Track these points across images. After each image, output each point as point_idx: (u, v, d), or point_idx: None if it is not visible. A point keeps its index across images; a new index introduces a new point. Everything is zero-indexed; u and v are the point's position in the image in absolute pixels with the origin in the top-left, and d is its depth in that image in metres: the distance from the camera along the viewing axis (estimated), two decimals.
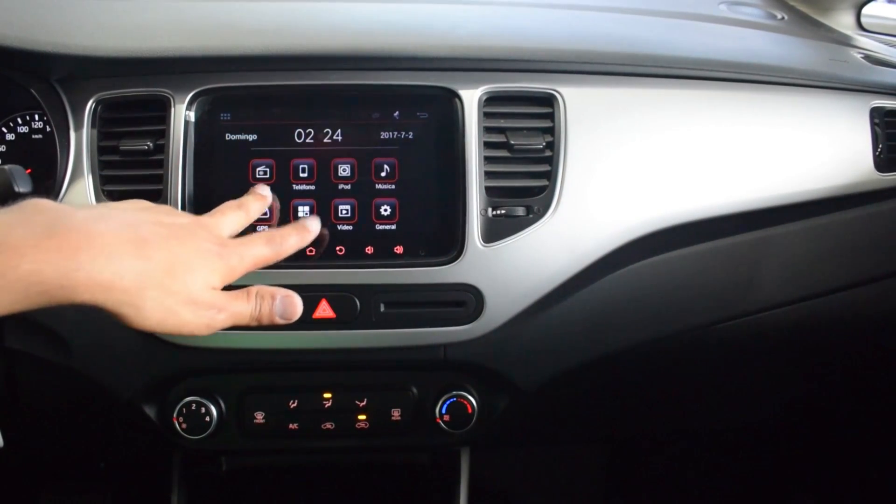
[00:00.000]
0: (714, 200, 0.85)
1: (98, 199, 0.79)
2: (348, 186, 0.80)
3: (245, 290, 0.63)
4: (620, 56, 0.86)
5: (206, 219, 0.65)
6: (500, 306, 0.80)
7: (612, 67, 0.85)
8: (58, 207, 0.54)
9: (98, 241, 0.52)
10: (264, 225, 0.78)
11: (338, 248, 0.79)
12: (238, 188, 0.79)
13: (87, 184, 0.79)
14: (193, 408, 0.85)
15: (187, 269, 0.57)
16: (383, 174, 0.80)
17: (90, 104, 0.80)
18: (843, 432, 1.29)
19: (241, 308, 0.62)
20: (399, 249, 0.80)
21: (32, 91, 0.80)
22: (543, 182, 0.81)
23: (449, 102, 0.81)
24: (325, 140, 0.80)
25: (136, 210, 0.62)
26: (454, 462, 0.97)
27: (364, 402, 0.87)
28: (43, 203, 0.54)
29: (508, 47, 0.84)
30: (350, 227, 0.79)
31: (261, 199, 0.73)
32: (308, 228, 0.70)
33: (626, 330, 0.88)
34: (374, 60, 0.81)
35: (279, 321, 0.64)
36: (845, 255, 0.93)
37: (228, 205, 0.69)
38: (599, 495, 1.41)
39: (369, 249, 0.79)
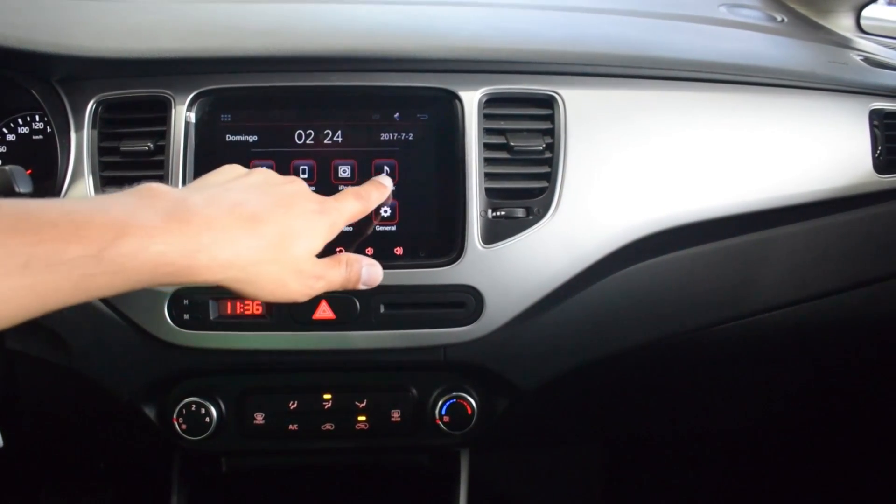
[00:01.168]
0: (713, 202, 0.85)
1: None
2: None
3: (336, 257, 0.67)
4: (620, 58, 0.86)
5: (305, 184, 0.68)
6: (500, 307, 0.80)
7: (612, 69, 0.85)
8: (172, 191, 0.56)
9: (216, 224, 0.55)
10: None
11: (337, 249, 0.79)
12: None
13: (87, 184, 0.79)
14: (193, 408, 0.85)
15: (294, 237, 0.60)
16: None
17: (91, 105, 0.80)
18: (843, 433, 1.29)
19: (336, 275, 0.66)
20: (399, 251, 0.80)
21: (33, 92, 0.80)
22: (543, 183, 0.81)
23: (449, 104, 0.81)
24: (326, 141, 0.81)
25: (240, 183, 0.63)
26: (454, 463, 0.97)
27: (364, 403, 0.87)
28: (157, 187, 0.56)
29: (508, 49, 0.84)
30: (350, 229, 0.79)
31: (381, 188, 0.74)
32: (385, 185, 0.75)
33: (625, 331, 0.88)
34: (375, 62, 0.82)
35: (362, 287, 0.69)
36: (845, 257, 0.93)
37: (349, 191, 0.70)
38: (598, 496, 1.41)
39: (369, 251, 0.80)
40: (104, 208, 0.51)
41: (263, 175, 0.66)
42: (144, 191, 0.55)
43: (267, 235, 0.58)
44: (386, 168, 0.80)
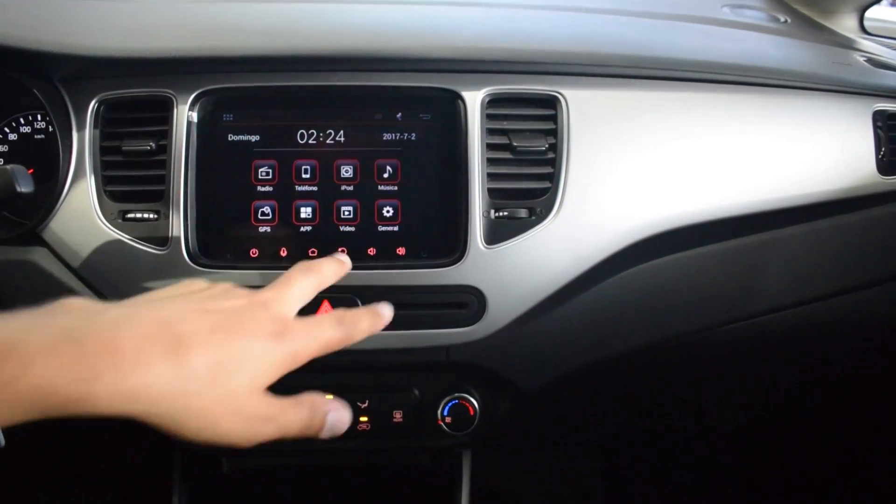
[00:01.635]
0: (716, 203, 0.84)
1: (100, 200, 0.79)
2: (350, 188, 0.80)
3: (298, 399, 0.56)
4: (623, 58, 0.85)
5: (267, 294, 0.57)
6: (503, 308, 0.80)
7: (615, 70, 0.84)
8: (87, 307, 0.50)
9: (122, 346, 0.47)
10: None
11: (340, 250, 0.79)
12: (241, 189, 0.79)
13: (89, 184, 0.79)
14: None
15: (233, 370, 0.50)
16: (386, 175, 0.80)
17: (93, 104, 0.80)
18: (844, 434, 1.28)
19: (292, 419, 0.55)
20: (401, 251, 0.80)
21: (35, 91, 0.80)
22: (546, 184, 0.81)
23: (452, 104, 0.80)
24: (328, 141, 0.80)
25: (180, 299, 0.55)
26: (456, 464, 0.97)
27: (366, 404, 0.87)
28: (73, 303, 0.50)
29: (511, 49, 0.84)
30: (352, 229, 0.79)
31: (339, 264, 0.66)
32: (381, 315, 0.64)
33: (628, 333, 0.88)
34: (377, 61, 0.81)
35: (325, 436, 0.57)
36: (848, 258, 0.93)
37: (297, 269, 0.61)
38: (600, 497, 1.41)
39: (371, 251, 0.79)
40: None
41: (221, 290, 0.57)
42: (58, 305, 0.49)
43: (192, 363, 0.48)
44: (389, 168, 0.80)
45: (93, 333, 0.47)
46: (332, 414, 0.57)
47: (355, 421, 0.87)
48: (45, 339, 0.45)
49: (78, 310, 0.49)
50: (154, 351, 0.48)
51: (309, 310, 0.76)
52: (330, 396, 0.59)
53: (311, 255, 0.79)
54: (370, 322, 0.62)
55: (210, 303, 0.54)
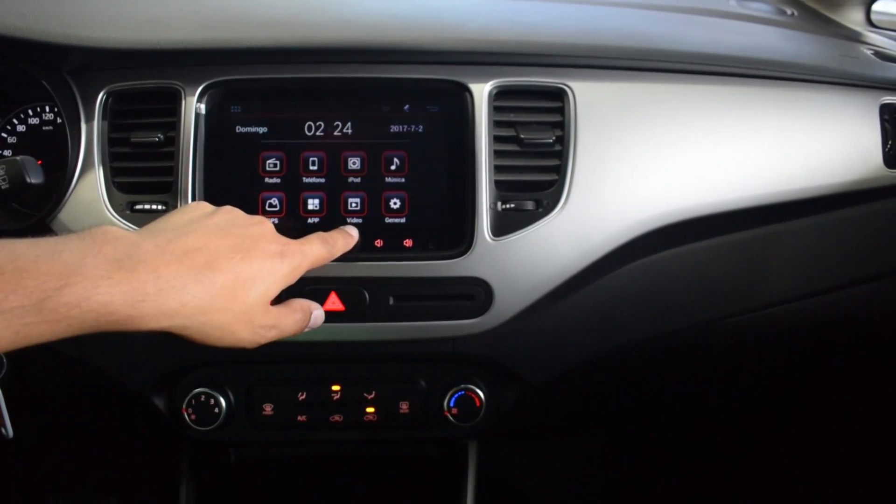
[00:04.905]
0: (722, 196, 0.84)
1: (109, 191, 0.79)
2: (358, 180, 0.80)
3: (291, 305, 0.67)
4: (631, 51, 0.86)
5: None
6: (509, 300, 0.80)
7: (622, 62, 0.85)
8: (126, 237, 0.56)
9: (164, 272, 0.55)
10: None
11: None
12: (248, 180, 0.80)
13: (97, 175, 0.79)
14: (202, 399, 0.85)
15: (249, 284, 0.59)
16: (393, 167, 0.80)
17: (101, 96, 0.80)
18: (850, 428, 1.28)
19: (290, 324, 0.66)
20: (408, 243, 0.80)
21: (44, 83, 0.80)
22: (553, 176, 0.81)
23: (459, 96, 0.81)
24: (335, 133, 0.81)
25: (200, 225, 0.62)
26: (462, 455, 0.97)
27: (372, 395, 0.87)
28: (112, 231, 0.56)
29: (519, 41, 0.84)
30: (359, 221, 0.80)
31: (347, 237, 0.75)
32: (351, 234, 0.76)
33: (634, 324, 0.88)
34: (385, 53, 0.81)
35: (307, 330, 0.70)
36: (854, 251, 0.93)
37: (315, 236, 0.70)
38: (605, 487, 1.41)
39: (378, 243, 0.80)
40: (54, 252, 0.51)
41: (228, 215, 0.65)
42: (99, 235, 0.55)
43: (217, 284, 0.57)
44: (396, 160, 0.80)
45: (139, 262, 0.54)
46: (316, 311, 0.70)
47: (362, 412, 0.88)
48: (101, 266, 0.52)
49: (119, 239, 0.55)
50: (188, 275, 0.56)
51: (317, 300, 0.78)
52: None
53: None
54: (344, 241, 0.74)
55: (228, 228, 0.62)
